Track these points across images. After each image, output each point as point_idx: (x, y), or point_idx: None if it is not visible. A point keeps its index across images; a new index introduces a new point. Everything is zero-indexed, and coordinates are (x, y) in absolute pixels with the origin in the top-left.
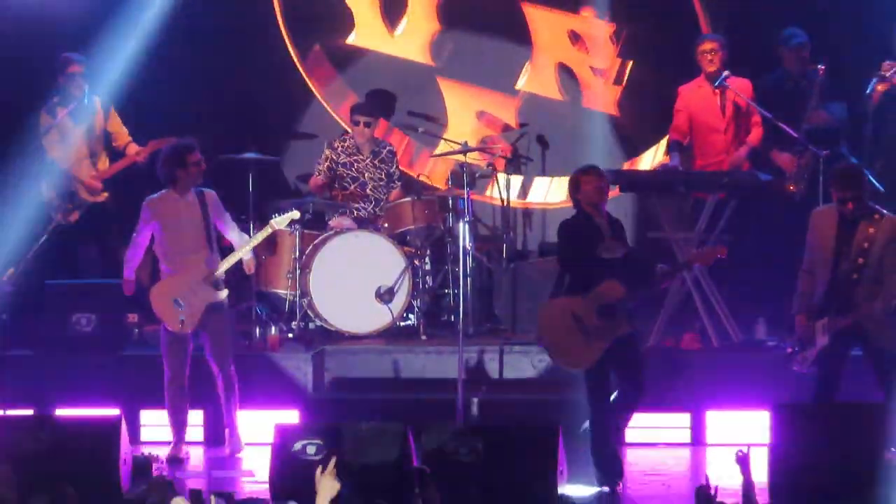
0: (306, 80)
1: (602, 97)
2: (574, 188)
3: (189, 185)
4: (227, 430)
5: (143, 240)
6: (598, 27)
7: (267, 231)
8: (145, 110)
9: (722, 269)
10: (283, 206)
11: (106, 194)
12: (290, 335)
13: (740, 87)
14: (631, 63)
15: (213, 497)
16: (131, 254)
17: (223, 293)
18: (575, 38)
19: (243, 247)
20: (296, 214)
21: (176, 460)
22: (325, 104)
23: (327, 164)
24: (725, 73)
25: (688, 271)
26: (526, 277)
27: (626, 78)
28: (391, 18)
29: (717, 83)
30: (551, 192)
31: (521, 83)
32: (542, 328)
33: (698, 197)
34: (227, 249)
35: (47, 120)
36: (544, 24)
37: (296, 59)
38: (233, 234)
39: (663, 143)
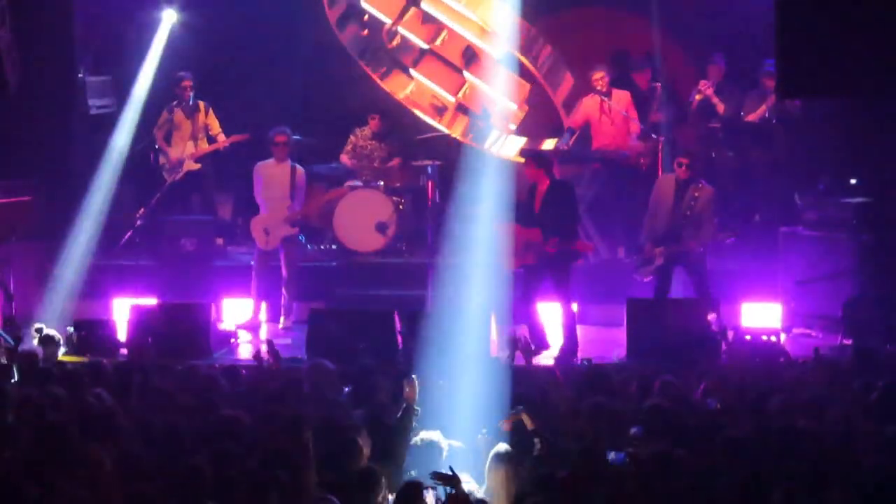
0: (364, 69)
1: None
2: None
3: (278, 156)
4: (283, 312)
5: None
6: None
7: None
8: (231, 110)
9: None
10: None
11: (199, 165)
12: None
13: (621, 97)
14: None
15: (270, 344)
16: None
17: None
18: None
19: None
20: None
21: (253, 327)
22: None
23: (350, 146)
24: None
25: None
26: None
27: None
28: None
29: (604, 95)
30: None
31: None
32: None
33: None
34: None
35: (165, 116)
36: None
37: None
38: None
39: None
